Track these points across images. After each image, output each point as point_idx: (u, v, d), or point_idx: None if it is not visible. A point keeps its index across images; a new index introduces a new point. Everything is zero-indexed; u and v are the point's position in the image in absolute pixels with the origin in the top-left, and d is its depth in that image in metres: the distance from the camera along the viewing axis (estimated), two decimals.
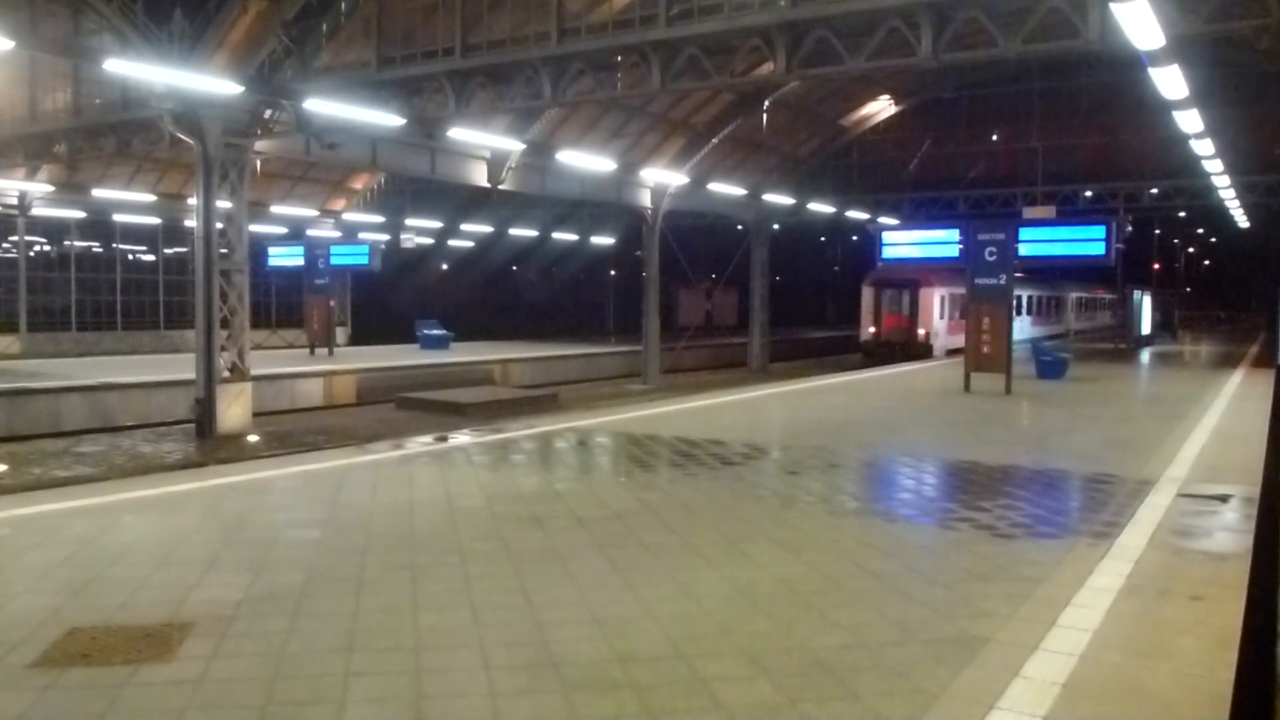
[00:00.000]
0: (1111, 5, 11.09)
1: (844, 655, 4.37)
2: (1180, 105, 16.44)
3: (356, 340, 36.21)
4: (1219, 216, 40.74)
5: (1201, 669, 4.25)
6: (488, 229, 43.74)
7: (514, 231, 44.12)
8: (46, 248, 30.83)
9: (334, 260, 28.44)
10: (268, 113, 17.54)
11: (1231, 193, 30.97)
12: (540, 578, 5.53)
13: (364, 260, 27.73)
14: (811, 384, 19.53)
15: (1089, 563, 5.87)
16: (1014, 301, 18.87)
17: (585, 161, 24.28)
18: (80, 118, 21.46)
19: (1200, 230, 64.30)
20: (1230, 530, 6.86)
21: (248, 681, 4.07)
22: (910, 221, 31.03)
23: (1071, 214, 28.68)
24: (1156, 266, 60.94)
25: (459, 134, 20.46)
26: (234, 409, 17.13)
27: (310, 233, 33.04)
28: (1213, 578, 5.57)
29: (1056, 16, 12.50)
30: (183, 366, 18.85)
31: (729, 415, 13.88)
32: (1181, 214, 43.35)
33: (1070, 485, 8.74)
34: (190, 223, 23.84)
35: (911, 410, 15.08)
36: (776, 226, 37.53)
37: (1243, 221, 39.57)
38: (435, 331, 31.94)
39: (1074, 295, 47.60)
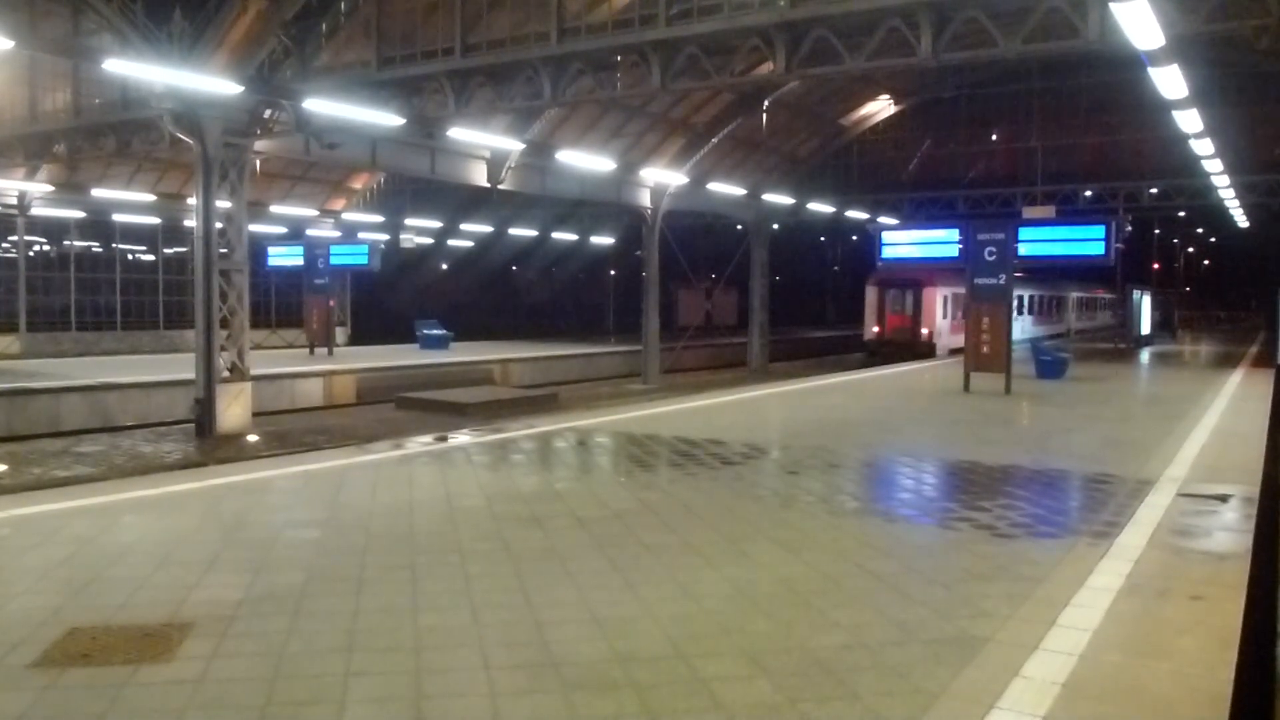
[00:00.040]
0: (1111, 5, 11.10)
1: (844, 655, 4.37)
2: (1180, 105, 16.45)
3: (356, 340, 36.18)
4: (1219, 216, 40.73)
5: (1201, 669, 4.25)
6: (487, 229, 43.72)
7: (514, 231, 44.12)
8: (46, 248, 30.81)
9: (334, 260, 28.44)
10: (267, 113, 17.56)
11: (1231, 192, 30.96)
12: (540, 578, 5.53)
13: (364, 260, 27.74)
14: (811, 384, 19.53)
15: (1089, 562, 5.87)
16: (1014, 301, 18.87)
17: (585, 161, 24.28)
18: (80, 118, 21.47)
19: (1200, 230, 64.26)
20: (1230, 530, 6.85)
21: (248, 681, 4.07)
22: (910, 221, 31.04)
23: (1071, 214, 28.61)
24: (1156, 266, 60.89)
25: (459, 134, 20.46)
26: (234, 409, 17.15)
27: (310, 232, 33.03)
28: (1212, 577, 5.58)
29: (1056, 16, 12.52)
30: (182, 366, 18.86)
31: (729, 415, 13.87)
32: (1181, 214, 43.34)
33: (1070, 485, 8.74)
34: (190, 222, 23.83)
35: (911, 410, 15.07)
36: (776, 226, 37.52)
37: (1242, 221, 39.56)
38: (435, 331, 31.92)
39: (1074, 295, 47.62)
